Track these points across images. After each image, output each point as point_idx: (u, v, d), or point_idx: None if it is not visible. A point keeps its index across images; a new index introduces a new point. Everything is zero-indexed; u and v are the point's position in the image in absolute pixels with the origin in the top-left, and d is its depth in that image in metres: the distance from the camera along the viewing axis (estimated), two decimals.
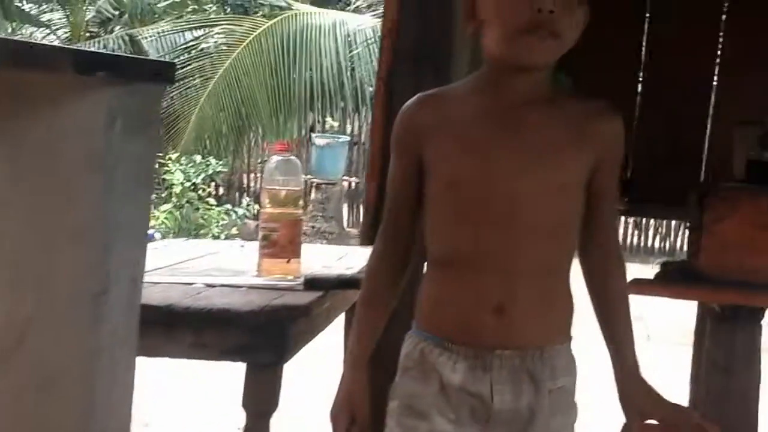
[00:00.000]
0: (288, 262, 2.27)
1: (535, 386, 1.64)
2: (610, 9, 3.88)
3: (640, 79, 3.87)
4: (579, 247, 1.73)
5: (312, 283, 2.16)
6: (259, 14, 12.30)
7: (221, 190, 12.57)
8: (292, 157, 2.32)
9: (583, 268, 1.75)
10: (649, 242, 12.90)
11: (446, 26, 2.17)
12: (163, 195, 10.66)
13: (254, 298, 1.92)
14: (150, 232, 8.96)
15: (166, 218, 10.30)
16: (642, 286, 2.78)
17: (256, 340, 1.85)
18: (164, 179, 10.53)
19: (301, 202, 2.33)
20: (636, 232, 12.83)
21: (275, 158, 2.31)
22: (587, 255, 1.73)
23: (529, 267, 1.63)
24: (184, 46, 11.36)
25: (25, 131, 1.41)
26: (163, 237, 9.87)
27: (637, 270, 3.07)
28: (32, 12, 13.58)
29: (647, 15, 3.86)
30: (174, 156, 10.42)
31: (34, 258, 1.42)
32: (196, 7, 13.81)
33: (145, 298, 1.59)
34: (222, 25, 11.61)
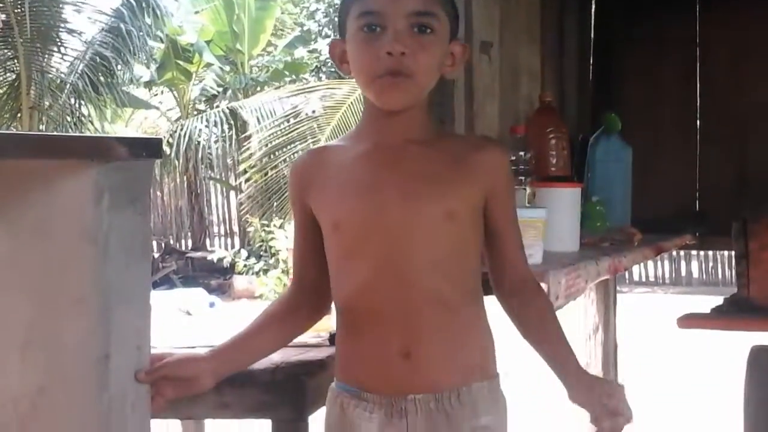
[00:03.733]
0: None
1: (454, 427, 1.61)
2: (666, 50, 3.91)
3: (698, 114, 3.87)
4: (493, 280, 1.72)
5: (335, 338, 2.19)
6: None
7: None
8: None
9: (501, 300, 1.73)
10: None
11: None
12: (270, 262, 10.86)
13: (275, 356, 1.96)
14: (211, 301, 9.10)
15: (275, 284, 10.50)
16: (693, 320, 2.75)
17: (275, 397, 1.88)
18: (270, 246, 10.74)
19: None
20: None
21: None
22: (502, 285, 1.72)
23: (429, 305, 1.60)
24: (284, 114, 11.61)
25: (22, 211, 1.53)
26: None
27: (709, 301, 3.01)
28: (143, 97, 14.16)
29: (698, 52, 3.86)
30: (278, 223, 10.61)
31: (40, 324, 1.52)
32: (294, 77, 14.16)
33: None
34: (320, 90, 11.85)
